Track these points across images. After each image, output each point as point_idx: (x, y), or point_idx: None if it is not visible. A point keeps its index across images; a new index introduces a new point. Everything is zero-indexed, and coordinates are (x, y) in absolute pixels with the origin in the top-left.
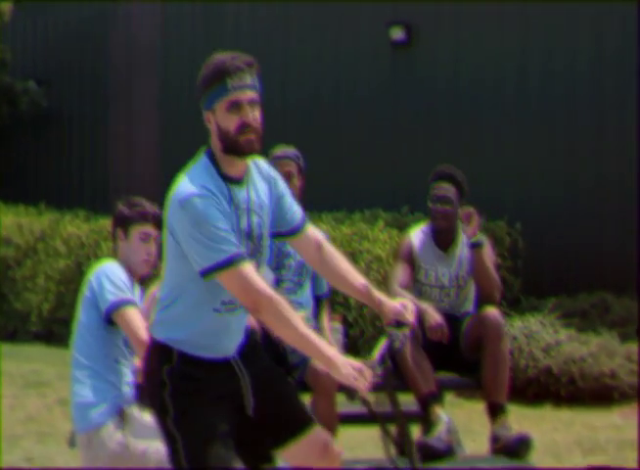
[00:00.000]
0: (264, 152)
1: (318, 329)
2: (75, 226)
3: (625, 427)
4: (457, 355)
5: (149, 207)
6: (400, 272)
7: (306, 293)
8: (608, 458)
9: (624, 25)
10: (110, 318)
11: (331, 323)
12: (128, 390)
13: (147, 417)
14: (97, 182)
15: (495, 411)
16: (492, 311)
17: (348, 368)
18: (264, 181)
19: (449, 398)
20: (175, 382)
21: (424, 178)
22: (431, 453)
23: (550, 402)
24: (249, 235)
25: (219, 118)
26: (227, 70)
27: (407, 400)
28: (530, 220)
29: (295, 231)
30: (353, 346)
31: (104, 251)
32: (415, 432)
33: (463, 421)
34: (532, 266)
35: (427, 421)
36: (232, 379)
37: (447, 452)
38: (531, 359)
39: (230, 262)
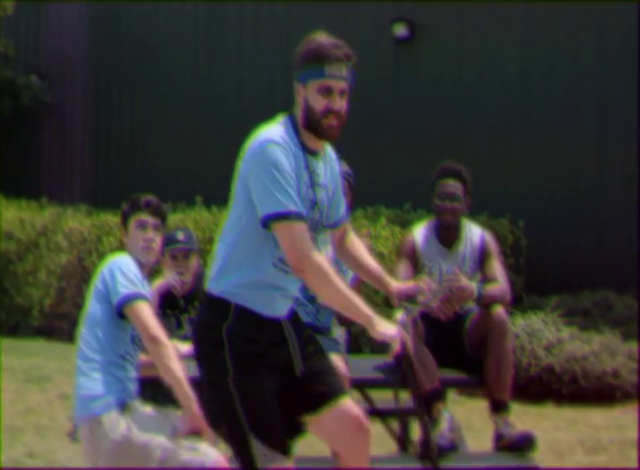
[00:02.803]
0: None
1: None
2: (77, 221)
3: (627, 426)
4: (460, 352)
5: (144, 196)
6: (403, 269)
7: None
8: (610, 457)
9: (624, 25)
10: (121, 311)
11: (333, 319)
12: (133, 385)
13: (149, 411)
14: (99, 177)
15: (498, 409)
16: (497, 309)
17: (385, 326)
18: (331, 166)
19: (451, 395)
20: (236, 342)
21: (426, 175)
22: (435, 451)
23: (552, 401)
24: (313, 206)
25: (310, 95)
26: (327, 56)
27: (409, 397)
28: (533, 218)
29: (337, 224)
30: (355, 343)
31: (105, 246)
32: (417, 429)
33: (465, 419)
34: (535, 264)
35: (429, 418)
36: (283, 341)
37: (451, 450)
38: (534, 358)
39: (286, 216)
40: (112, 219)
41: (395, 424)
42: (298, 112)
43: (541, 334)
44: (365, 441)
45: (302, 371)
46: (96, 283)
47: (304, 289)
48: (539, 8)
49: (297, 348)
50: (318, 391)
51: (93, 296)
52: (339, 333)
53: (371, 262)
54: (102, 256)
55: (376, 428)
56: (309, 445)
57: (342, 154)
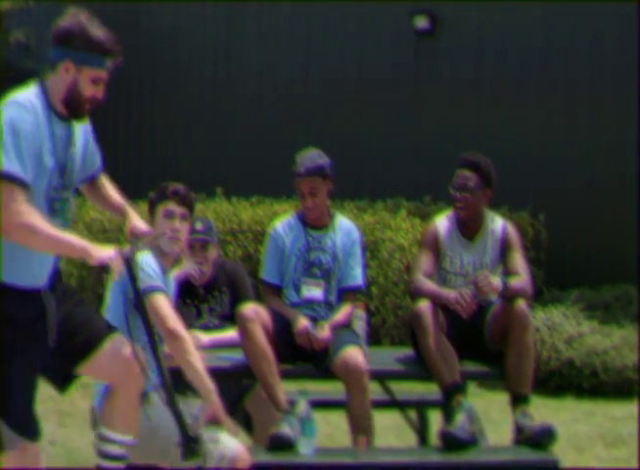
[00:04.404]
0: (292, 151)
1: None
2: (98, 211)
3: None
4: (481, 345)
5: (172, 185)
6: (424, 260)
7: (334, 295)
8: (629, 451)
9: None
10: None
11: (354, 310)
12: (153, 376)
13: None
14: (120, 168)
15: (519, 401)
16: (519, 302)
17: (101, 251)
18: (84, 128)
19: (471, 388)
20: None
21: (447, 167)
22: (454, 443)
23: (572, 394)
24: (61, 171)
25: (81, 79)
26: (111, 51)
27: (430, 389)
28: (554, 212)
29: (90, 179)
30: (375, 334)
31: (126, 236)
32: (437, 420)
33: (484, 411)
34: (555, 258)
35: (449, 410)
36: (42, 314)
37: (470, 442)
38: (554, 351)
39: (10, 177)
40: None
41: (414, 415)
42: (56, 82)
43: (562, 328)
44: (134, 379)
45: (63, 330)
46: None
47: (326, 294)
48: (559, 18)
49: (53, 319)
50: (83, 340)
51: (111, 289)
52: (359, 325)
53: (115, 196)
54: (122, 246)
55: (395, 419)
56: (329, 436)
57: (363, 146)
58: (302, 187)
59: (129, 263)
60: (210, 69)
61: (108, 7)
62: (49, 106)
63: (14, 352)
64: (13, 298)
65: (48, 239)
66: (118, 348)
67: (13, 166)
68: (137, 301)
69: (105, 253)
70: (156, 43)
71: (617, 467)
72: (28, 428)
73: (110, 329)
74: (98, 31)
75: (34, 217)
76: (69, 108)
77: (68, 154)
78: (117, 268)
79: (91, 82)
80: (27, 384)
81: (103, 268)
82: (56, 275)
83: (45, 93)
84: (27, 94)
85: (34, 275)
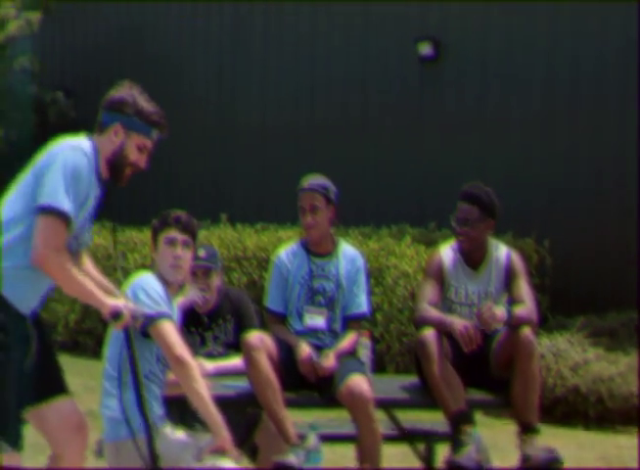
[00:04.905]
0: (296, 177)
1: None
2: (102, 237)
3: None
4: (487, 373)
5: (174, 212)
6: (429, 289)
7: (339, 323)
8: None
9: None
10: (144, 331)
11: (359, 338)
12: (157, 405)
13: (177, 436)
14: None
15: (527, 432)
16: (524, 330)
17: (112, 300)
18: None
19: (477, 416)
20: None
21: (451, 194)
22: None
23: (578, 422)
24: (89, 224)
25: (128, 143)
26: (159, 123)
27: (436, 418)
28: (559, 238)
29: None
30: (380, 361)
31: (130, 262)
32: (444, 450)
33: (490, 440)
34: (560, 284)
35: (456, 440)
36: (26, 338)
37: None
38: (559, 378)
39: (56, 212)
40: (136, 236)
41: (420, 444)
42: (105, 143)
43: (567, 354)
44: (83, 444)
45: (33, 366)
46: None
47: (330, 322)
48: (563, 27)
49: (35, 346)
50: (42, 385)
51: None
52: (364, 353)
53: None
54: (127, 272)
55: (401, 447)
56: (334, 463)
57: (367, 172)
58: (303, 202)
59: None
60: (215, 96)
61: (111, 29)
62: (97, 165)
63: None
64: (4, 308)
65: (75, 282)
66: (69, 414)
67: (65, 205)
68: (131, 358)
69: (118, 302)
70: (160, 68)
71: None
72: (7, 431)
73: (65, 389)
74: (148, 104)
75: (67, 256)
76: (112, 169)
77: (91, 213)
78: (128, 319)
79: (137, 149)
80: (7, 385)
81: (114, 317)
82: (38, 311)
83: (96, 151)
84: (86, 145)
85: (28, 300)
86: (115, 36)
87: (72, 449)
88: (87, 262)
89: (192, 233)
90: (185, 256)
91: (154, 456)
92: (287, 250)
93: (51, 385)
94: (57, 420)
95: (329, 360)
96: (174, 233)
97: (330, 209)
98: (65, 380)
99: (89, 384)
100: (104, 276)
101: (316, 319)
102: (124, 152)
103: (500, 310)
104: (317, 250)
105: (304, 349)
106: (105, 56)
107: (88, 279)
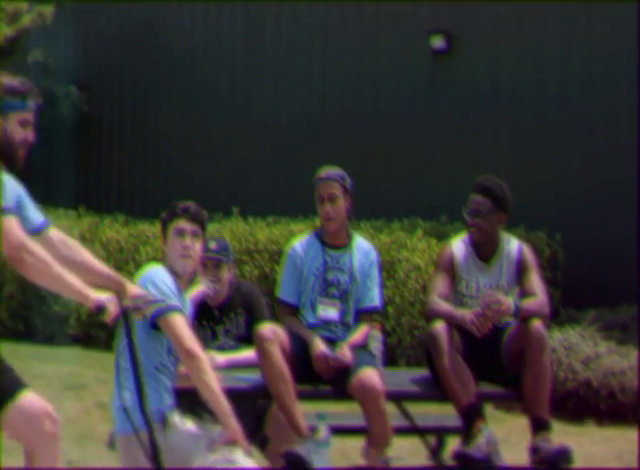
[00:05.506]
0: (309, 170)
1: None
2: (114, 230)
3: None
4: (498, 366)
5: (183, 203)
6: (440, 283)
7: (351, 316)
8: None
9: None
10: (154, 324)
11: (371, 331)
12: (168, 396)
13: (189, 425)
14: (137, 187)
15: (538, 427)
16: (535, 323)
17: (97, 295)
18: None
19: (488, 410)
20: None
21: (463, 187)
22: (469, 462)
23: (590, 416)
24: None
25: (10, 126)
26: (29, 91)
27: (447, 411)
28: (571, 232)
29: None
30: (391, 354)
31: (142, 255)
32: (455, 442)
33: (501, 433)
34: (572, 278)
35: (467, 433)
36: None
37: (485, 462)
38: (571, 372)
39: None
40: (148, 229)
41: (431, 437)
42: None
43: (579, 348)
44: (55, 439)
45: None
46: None
47: (343, 315)
48: (575, 18)
49: None
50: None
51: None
52: (375, 345)
53: (96, 263)
54: (139, 265)
55: (411, 439)
56: (343, 453)
57: (379, 166)
58: (322, 191)
59: (127, 314)
60: (227, 88)
61: (124, 23)
62: None
63: None
64: None
65: (56, 276)
66: (32, 407)
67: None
68: (131, 351)
69: (102, 296)
70: (173, 62)
71: None
72: None
73: (22, 385)
74: (11, 79)
75: (41, 250)
76: (4, 156)
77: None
78: (113, 312)
79: (20, 126)
80: None
81: (98, 311)
82: None
83: None
84: None
85: None
86: (129, 31)
87: (41, 440)
88: (68, 244)
89: (201, 223)
90: (194, 246)
91: (155, 452)
92: (301, 241)
93: (10, 387)
94: (22, 422)
95: (346, 353)
96: (183, 223)
97: (347, 198)
98: (18, 381)
99: (101, 376)
100: (116, 270)
101: (329, 311)
102: (9, 135)
103: (507, 300)
104: (332, 242)
105: (318, 345)
106: (118, 50)
107: (65, 271)
